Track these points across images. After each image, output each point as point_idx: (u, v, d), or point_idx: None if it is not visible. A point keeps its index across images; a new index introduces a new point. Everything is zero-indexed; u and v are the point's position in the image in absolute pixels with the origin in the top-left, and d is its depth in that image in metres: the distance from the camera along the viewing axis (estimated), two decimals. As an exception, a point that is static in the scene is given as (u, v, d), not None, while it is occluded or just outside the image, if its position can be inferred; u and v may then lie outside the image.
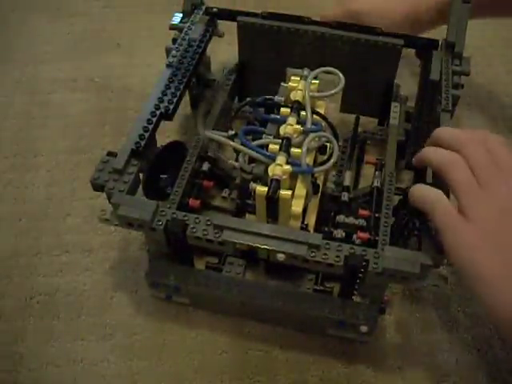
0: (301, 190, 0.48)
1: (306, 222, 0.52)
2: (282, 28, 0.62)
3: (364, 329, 0.48)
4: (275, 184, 0.45)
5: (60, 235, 0.61)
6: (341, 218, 0.56)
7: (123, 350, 0.52)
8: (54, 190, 0.65)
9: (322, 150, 0.52)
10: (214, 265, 0.55)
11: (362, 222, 0.55)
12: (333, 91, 0.53)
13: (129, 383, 0.50)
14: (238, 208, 0.58)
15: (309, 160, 0.49)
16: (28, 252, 0.59)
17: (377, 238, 0.51)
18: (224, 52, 0.74)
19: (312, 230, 0.53)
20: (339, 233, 0.54)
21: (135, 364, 0.51)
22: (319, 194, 0.55)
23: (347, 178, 0.60)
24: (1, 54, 0.84)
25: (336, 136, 0.51)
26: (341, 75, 0.54)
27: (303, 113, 0.51)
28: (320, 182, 0.55)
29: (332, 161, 0.49)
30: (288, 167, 0.46)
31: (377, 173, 0.59)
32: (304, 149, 0.48)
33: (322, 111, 0.53)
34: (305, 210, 0.51)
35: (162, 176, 0.57)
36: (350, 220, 0.55)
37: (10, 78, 0.80)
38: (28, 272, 0.58)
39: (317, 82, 0.54)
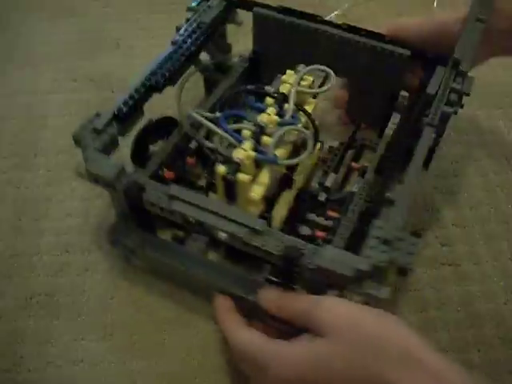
0: (263, 177, 0.49)
1: (273, 214, 0.53)
2: (294, 24, 0.63)
3: None
4: (234, 166, 0.46)
5: (60, 235, 0.61)
6: (311, 216, 0.56)
7: (123, 349, 0.52)
8: (54, 190, 0.65)
9: (305, 146, 0.53)
10: (178, 237, 0.56)
11: (329, 222, 0.55)
12: (323, 89, 0.54)
13: (129, 383, 0.50)
14: (206, 187, 0.58)
15: (283, 152, 0.50)
16: (28, 252, 0.59)
17: (333, 239, 0.52)
18: (246, 42, 0.73)
19: (279, 224, 0.53)
20: (305, 230, 0.55)
21: (135, 364, 0.51)
22: (294, 190, 0.56)
23: (329, 180, 0.61)
24: (1, 53, 0.84)
25: (316, 134, 0.52)
26: (332, 73, 0.54)
27: (287, 105, 0.52)
28: (300, 178, 0.56)
29: (302, 156, 0.49)
30: (252, 153, 0.47)
31: (357, 178, 0.60)
32: (273, 139, 0.49)
33: (310, 108, 0.54)
34: (272, 201, 0.52)
35: (150, 147, 0.59)
36: (319, 219, 0.56)
37: (10, 77, 0.80)
38: (28, 272, 0.58)
39: (311, 78, 0.55)
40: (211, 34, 0.63)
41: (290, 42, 0.64)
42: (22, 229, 0.62)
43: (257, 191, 0.49)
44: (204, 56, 0.67)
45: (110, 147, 0.51)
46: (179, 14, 0.65)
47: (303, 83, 0.55)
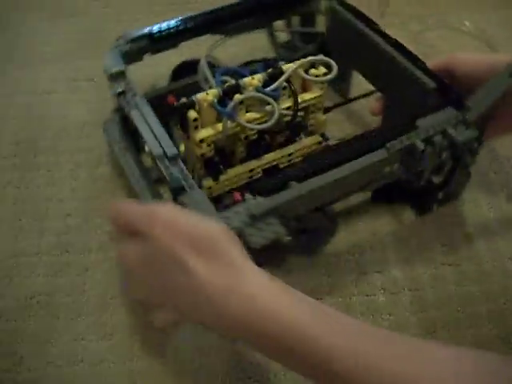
0: (216, 126, 0.53)
1: (228, 171, 0.56)
2: (351, 22, 0.64)
3: None
4: (188, 101, 0.51)
5: (60, 235, 0.61)
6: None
7: (123, 349, 0.52)
8: (54, 190, 0.65)
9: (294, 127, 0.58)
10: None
11: None
12: (321, 78, 0.56)
13: (129, 383, 0.50)
14: None
15: (251, 116, 0.54)
16: (28, 252, 0.59)
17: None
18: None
19: (229, 183, 0.56)
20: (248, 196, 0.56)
21: (135, 364, 0.51)
22: (264, 162, 0.58)
23: None
24: (1, 54, 0.84)
25: (295, 114, 0.55)
26: (334, 65, 0.56)
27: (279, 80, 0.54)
28: (278, 156, 0.58)
29: (262, 125, 0.53)
30: (210, 98, 0.51)
31: None
32: (238, 96, 0.52)
33: (310, 95, 0.57)
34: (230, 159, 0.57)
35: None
36: None
37: (10, 78, 0.80)
38: (28, 272, 0.58)
39: (323, 69, 0.56)
40: (283, 9, 0.69)
41: (350, 39, 0.65)
42: (22, 229, 0.62)
43: (202, 133, 0.53)
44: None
45: (132, 56, 0.62)
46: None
47: (313, 71, 0.56)
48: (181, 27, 0.63)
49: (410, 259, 0.59)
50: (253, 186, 0.49)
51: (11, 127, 0.73)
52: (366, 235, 0.61)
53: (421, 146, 0.51)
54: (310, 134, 0.61)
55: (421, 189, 0.58)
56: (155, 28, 0.63)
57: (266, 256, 0.54)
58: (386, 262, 0.59)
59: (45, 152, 0.70)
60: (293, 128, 0.59)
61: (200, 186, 0.55)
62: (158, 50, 0.64)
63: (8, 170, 0.68)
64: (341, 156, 0.50)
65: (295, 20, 0.74)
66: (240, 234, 0.45)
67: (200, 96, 0.52)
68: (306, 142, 0.60)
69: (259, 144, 0.57)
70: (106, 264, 0.58)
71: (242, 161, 0.58)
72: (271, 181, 0.49)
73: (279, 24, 0.73)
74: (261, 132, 0.56)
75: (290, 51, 0.74)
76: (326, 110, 0.65)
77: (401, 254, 0.60)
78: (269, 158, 0.58)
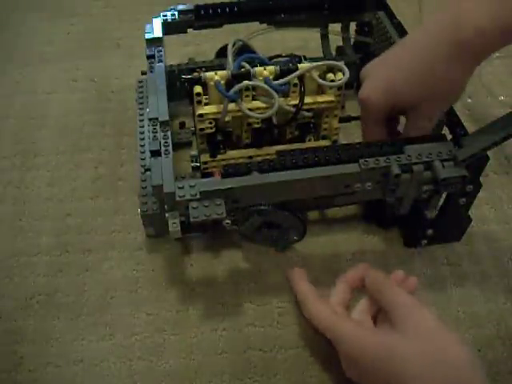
0: (221, 107, 0.55)
1: (227, 152, 0.59)
2: (392, 37, 0.63)
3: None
4: (195, 75, 0.55)
5: (60, 235, 0.61)
6: None
7: (123, 349, 0.52)
8: (54, 190, 0.65)
9: (303, 127, 0.60)
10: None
11: None
12: (330, 83, 0.56)
13: (129, 383, 0.50)
14: None
15: (256, 104, 0.55)
16: (28, 252, 0.59)
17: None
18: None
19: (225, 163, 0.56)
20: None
21: (135, 364, 0.51)
22: (263, 152, 0.59)
23: None
24: (1, 54, 0.84)
25: (296, 113, 0.56)
26: (346, 70, 0.56)
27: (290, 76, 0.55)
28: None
29: (259, 114, 0.55)
30: (216, 77, 0.54)
31: None
32: (240, 83, 0.54)
33: (321, 98, 0.57)
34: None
35: None
36: None
37: (10, 78, 0.80)
38: (28, 272, 0.58)
39: (340, 75, 0.57)
40: (340, 13, 0.69)
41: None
42: (22, 229, 0.62)
43: (204, 108, 0.55)
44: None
45: (175, 27, 0.66)
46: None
47: (329, 75, 0.57)
48: (227, 9, 0.65)
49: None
50: (224, 168, 0.49)
51: (11, 127, 0.73)
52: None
53: (396, 170, 0.48)
54: (323, 138, 0.62)
55: (411, 219, 0.56)
56: (202, 5, 0.65)
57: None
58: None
59: (45, 152, 0.70)
60: (301, 127, 0.60)
61: (198, 160, 0.59)
62: (202, 27, 0.67)
63: (8, 170, 0.68)
64: (313, 159, 0.49)
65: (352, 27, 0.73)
66: (187, 206, 0.47)
67: (208, 74, 0.54)
68: (312, 145, 0.60)
69: (264, 134, 0.58)
70: (105, 264, 0.58)
71: (247, 147, 0.59)
72: (237, 166, 0.49)
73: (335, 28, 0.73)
74: (268, 123, 0.57)
75: (338, 57, 0.74)
76: (346, 120, 0.65)
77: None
78: (268, 150, 0.59)
